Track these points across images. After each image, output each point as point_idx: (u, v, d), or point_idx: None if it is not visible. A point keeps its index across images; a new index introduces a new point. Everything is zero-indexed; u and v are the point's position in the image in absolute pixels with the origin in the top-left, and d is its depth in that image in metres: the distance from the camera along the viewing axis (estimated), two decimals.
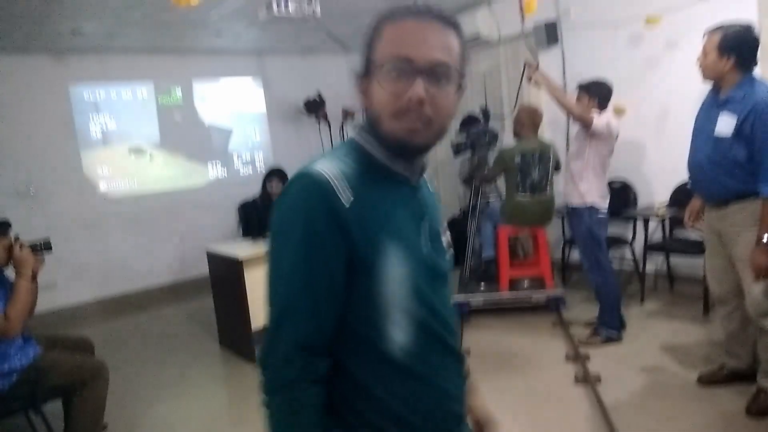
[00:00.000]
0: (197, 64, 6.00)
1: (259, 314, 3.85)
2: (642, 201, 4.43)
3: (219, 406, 3.47)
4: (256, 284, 3.84)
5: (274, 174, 4.68)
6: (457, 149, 4.64)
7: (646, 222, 4.16)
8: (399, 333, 0.90)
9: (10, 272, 2.62)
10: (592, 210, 3.46)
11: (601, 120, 3.34)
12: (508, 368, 3.37)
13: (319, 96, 6.28)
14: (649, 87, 4.26)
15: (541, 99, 4.79)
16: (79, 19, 4.23)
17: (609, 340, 3.51)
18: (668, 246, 4.24)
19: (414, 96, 0.85)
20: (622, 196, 4.43)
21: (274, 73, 6.54)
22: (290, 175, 4.65)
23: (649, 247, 4.19)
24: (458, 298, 4.17)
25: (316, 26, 4.06)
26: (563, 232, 4.85)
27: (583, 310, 4.08)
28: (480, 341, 3.77)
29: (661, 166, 4.28)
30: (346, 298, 0.88)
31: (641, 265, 4.23)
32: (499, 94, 5.44)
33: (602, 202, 3.48)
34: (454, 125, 5.46)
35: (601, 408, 2.75)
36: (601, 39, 4.48)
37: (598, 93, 3.48)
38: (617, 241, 4.40)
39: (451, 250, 1.07)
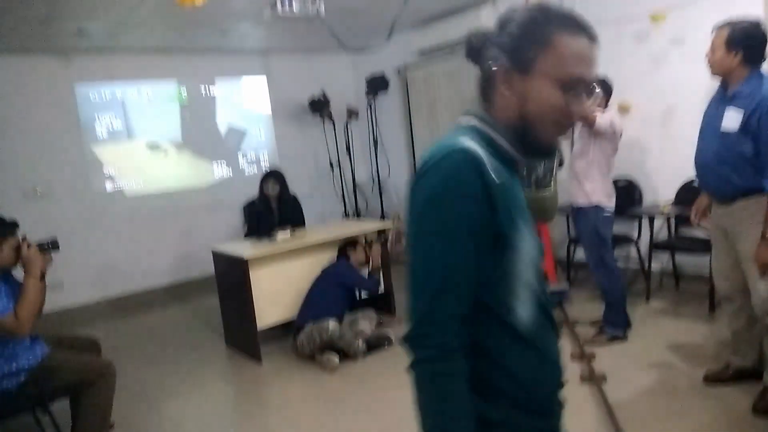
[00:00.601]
0: (202, 64, 6.01)
1: (264, 313, 3.87)
2: (647, 199, 4.41)
3: (225, 405, 3.48)
4: (262, 283, 3.85)
5: (271, 175, 4.69)
6: None
7: (651, 220, 4.14)
8: (523, 307, 0.95)
9: (17, 272, 2.65)
10: (599, 209, 3.44)
11: (604, 118, 3.33)
12: None
13: (324, 95, 6.29)
14: (655, 84, 4.24)
15: None
16: (84, 19, 4.25)
17: (614, 338, 3.50)
18: (674, 244, 4.23)
19: (580, 114, 0.97)
20: (627, 194, 4.41)
21: (279, 73, 6.55)
22: (288, 176, 4.62)
23: (655, 246, 4.17)
24: None
25: (320, 26, 4.07)
26: (568, 230, 4.84)
27: (588, 309, 4.07)
28: None
29: (666, 163, 4.26)
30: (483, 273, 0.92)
31: (647, 264, 4.22)
32: None
33: (608, 201, 3.47)
34: None
35: (607, 407, 2.74)
36: (605, 36, 4.40)
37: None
38: (622, 240, 4.39)
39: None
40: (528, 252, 0.96)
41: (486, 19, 5.06)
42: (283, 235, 4.16)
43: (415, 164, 6.52)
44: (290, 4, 3.89)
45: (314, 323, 3.66)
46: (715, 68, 2.54)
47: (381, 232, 4.45)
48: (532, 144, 0.98)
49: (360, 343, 3.67)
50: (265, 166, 6.41)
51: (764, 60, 2.46)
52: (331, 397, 3.27)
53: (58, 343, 2.88)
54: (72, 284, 5.21)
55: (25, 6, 3.76)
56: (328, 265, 4.04)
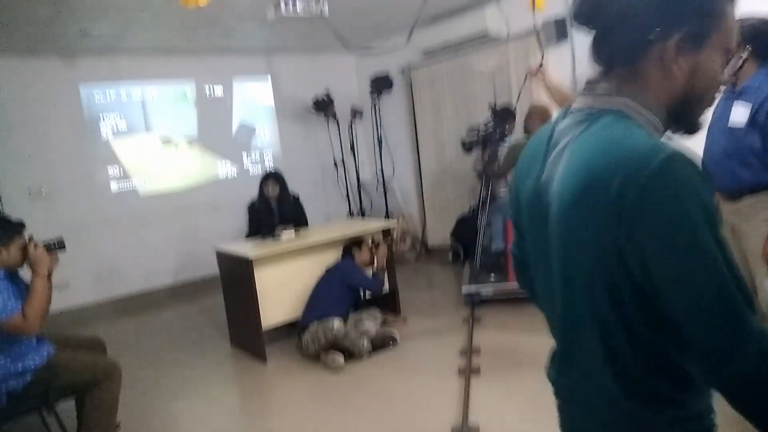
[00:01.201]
0: (206, 64, 6.03)
1: (269, 313, 3.87)
2: None
3: (230, 405, 3.48)
4: (267, 283, 3.86)
5: (271, 177, 4.69)
6: (470, 146, 4.66)
7: None
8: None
9: (24, 272, 2.66)
10: None
11: None
12: (520, 366, 3.36)
13: (328, 95, 6.29)
14: None
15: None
16: (88, 21, 4.26)
17: None
18: None
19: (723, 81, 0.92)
20: None
21: (283, 73, 6.56)
22: (287, 177, 4.56)
23: None
24: (469, 288, 4.20)
25: (324, 26, 4.07)
26: None
27: None
28: (492, 339, 3.75)
29: None
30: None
31: None
32: (507, 91, 5.41)
33: None
34: (475, 120, 5.45)
35: None
36: None
37: None
38: None
39: None
40: None
41: (490, 17, 5.05)
42: (288, 235, 4.17)
43: (419, 164, 6.52)
44: (294, 5, 3.89)
45: (319, 323, 3.66)
46: None
47: (386, 232, 4.44)
48: (685, 124, 0.93)
49: (365, 343, 3.67)
50: (270, 165, 6.42)
51: None
52: (336, 397, 3.26)
53: (63, 343, 2.88)
54: (77, 284, 5.23)
55: (30, 8, 3.78)
56: (332, 265, 4.03)
